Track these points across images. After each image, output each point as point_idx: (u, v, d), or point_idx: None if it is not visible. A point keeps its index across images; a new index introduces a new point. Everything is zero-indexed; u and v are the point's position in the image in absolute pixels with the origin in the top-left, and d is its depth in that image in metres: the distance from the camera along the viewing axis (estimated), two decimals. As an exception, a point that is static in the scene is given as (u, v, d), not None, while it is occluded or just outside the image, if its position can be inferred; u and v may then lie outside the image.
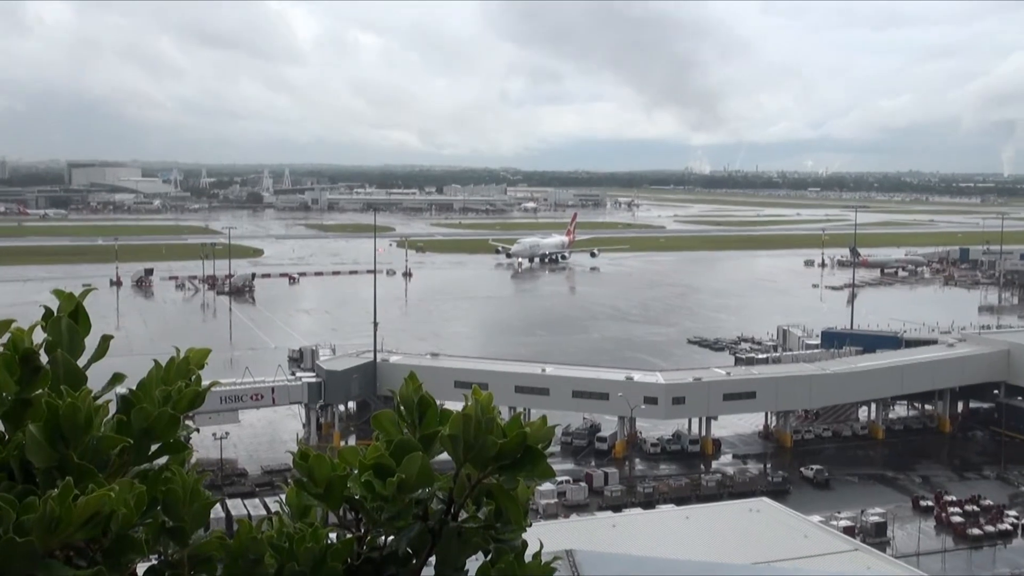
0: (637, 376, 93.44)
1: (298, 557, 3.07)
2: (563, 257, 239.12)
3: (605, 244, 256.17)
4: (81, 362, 3.04)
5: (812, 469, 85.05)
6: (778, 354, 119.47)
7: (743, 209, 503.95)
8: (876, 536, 71.36)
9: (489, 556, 3.21)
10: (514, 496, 3.19)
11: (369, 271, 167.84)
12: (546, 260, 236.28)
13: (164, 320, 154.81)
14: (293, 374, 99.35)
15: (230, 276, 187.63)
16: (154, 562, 2.98)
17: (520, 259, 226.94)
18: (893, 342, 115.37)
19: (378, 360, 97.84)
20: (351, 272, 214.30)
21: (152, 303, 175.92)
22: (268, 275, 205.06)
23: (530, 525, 3.31)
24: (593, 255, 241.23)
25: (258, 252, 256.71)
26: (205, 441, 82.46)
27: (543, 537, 3.50)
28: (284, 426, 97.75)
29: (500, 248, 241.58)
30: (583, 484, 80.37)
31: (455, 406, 3.22)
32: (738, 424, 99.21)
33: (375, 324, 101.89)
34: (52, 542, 2.49)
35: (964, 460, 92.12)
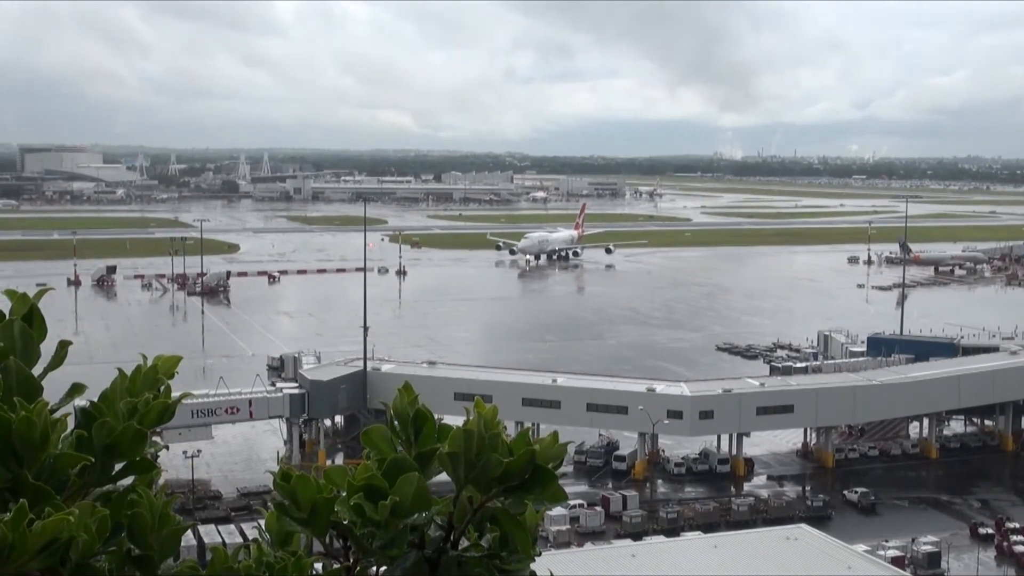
0: (659, 387, 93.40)
1: (279, 590, 3.07)
2: (575, 253, 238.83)
3: (620, 239, 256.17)
4: (36, 371, 3.05)
5: (857, 492, 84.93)
6: (818, 363, 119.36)
7: (779, 199, 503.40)
8: (929, 567, 71.24)
9: (493, 589, 3.21)
10: (521, 522, 3.19)
11: (359, 269, 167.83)
12: (555, 257, 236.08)
13: (129, 324, 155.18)
14: (273, 385, 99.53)
15: (202, 274, 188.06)
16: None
17: (528, 256, 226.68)
18: (948, 349, 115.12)
19: (368, 369, 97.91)
20: (338, 270, 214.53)
21: (115, 305, 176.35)
22: (245, 273, 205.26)
23: (539, 554, 3.32)
24: (608, 251, 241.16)
25: (234, 247, 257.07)
26: (175, 460, 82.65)
27: (554, 568, 3.51)
28: (263, 443, 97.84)
29: (501, 244, 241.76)
30: (599, 509, 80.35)
31: (455, 421, 3.23)
32: (773, 441, 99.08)
33: (365, 328, 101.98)
34: (4, 572, 2.45)
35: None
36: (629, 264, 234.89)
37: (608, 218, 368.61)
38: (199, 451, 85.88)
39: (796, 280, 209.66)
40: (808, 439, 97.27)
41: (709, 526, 76.99)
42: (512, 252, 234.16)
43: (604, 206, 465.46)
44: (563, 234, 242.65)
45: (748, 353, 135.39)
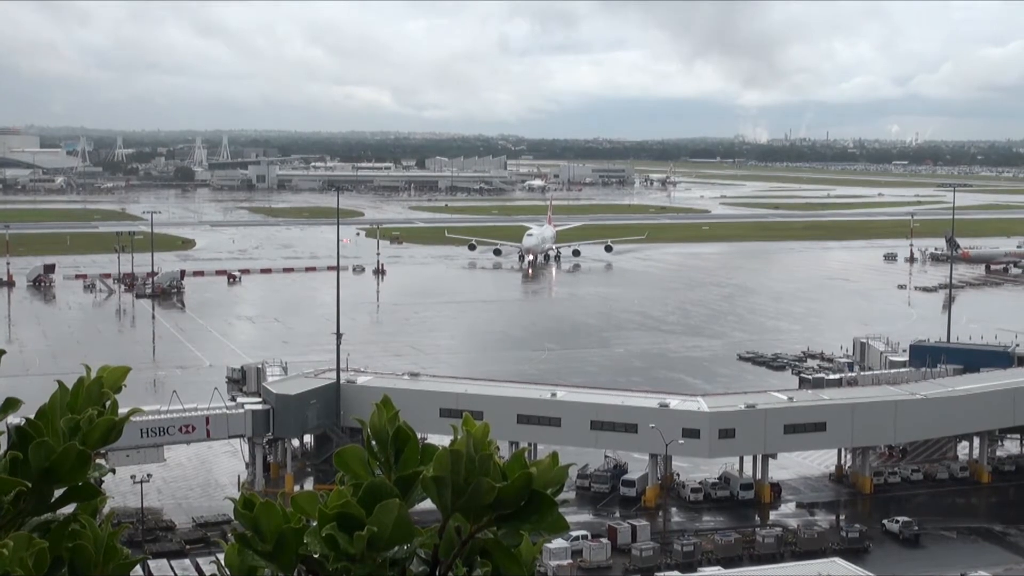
0: (674, 402, 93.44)
1: (241, 632, 3.07)
2: (575, 252, 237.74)
3: (602, 235, 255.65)
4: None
5: (898, 522, 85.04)
6: (854, 374, 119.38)
7: (809, 188, 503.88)
8: (980, 607, 71.21)
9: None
10: (516, 555, 3.19)
11: (331, 268, 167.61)
12: (546, 257, 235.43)
13: (69, 330, 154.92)
14: (233, 400, 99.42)
15: (153, 274, 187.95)
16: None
17: (531, 256, 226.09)
18: (1002, 359, 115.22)
19: (342, 382, 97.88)
20: (307, 269, 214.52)
21: (54, 308, 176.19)
22: (201, 273, 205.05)
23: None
24: (608, 249, 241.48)
25: (189, 243, 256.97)
26: (122, 485, 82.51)
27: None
28: (222, 466, 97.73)
29: (474, 243, 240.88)
30: (605, 540, 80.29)
31: (441, 440, 3.22)
32: (803, 464, 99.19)
33: (338, 335, 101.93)
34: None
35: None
36: (639, 262, 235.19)
37: (615, 210, 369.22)
38: (149, 475, 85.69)
39: (829, 280, 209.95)
40: (843, 461, 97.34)
41: (730, 560, 77.04)
42: (497, 253, 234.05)
43: (610, 196, 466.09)
44: (548, 230, 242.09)
45: (774, 363, 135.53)
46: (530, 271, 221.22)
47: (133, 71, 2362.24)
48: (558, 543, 75.32)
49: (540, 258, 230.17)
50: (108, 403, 3.23)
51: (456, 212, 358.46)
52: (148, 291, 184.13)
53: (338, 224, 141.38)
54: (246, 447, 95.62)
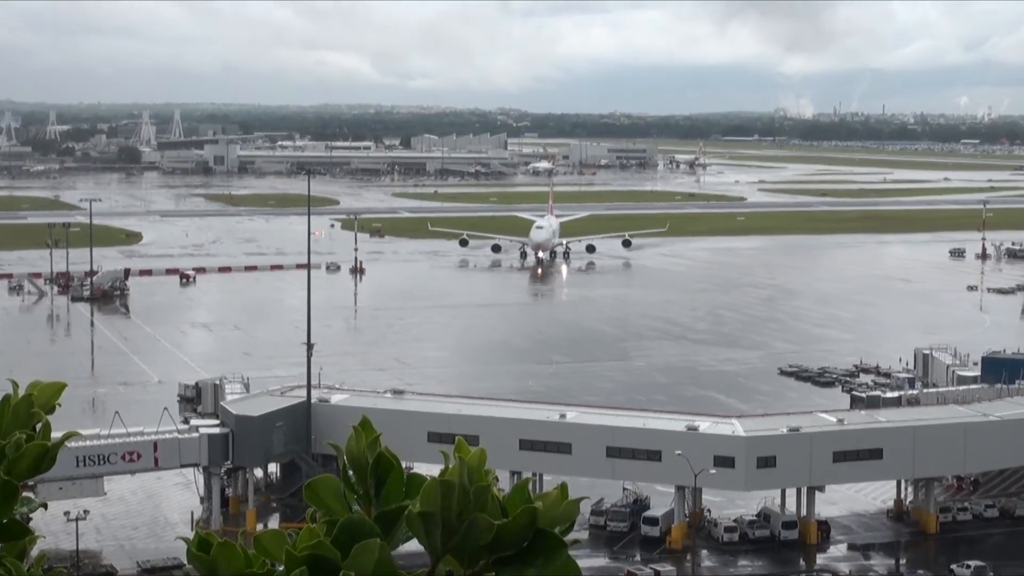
0: (704, 425, 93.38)
1: None
2: (589, 248, 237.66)
3: (613, 227, 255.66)
4: None
5: (969, 567, 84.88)
6: (916, 391, 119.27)
7: (863, 171, 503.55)
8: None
9: None
10: (518, 605, 3.19)
11: (301, 265, 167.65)
12: (553, 254, 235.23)
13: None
14: (186, 422, 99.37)
15: (92, 273, 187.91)
16: None
17: (541, 252, 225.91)
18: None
19: (314, 401, 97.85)
20: (273, 267, 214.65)
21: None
22: (149, 271, 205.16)
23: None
24: (626, 244, 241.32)
25: (134, 237, 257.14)
26: (54, 522, 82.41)
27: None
28: (172, 501, 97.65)
29: (465, 237, 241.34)
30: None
31: (430, 470, 3.22)
32: (856, 498, 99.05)
33: (309, 346, 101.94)
34: None
35: None
36: (663, 259, 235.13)
37: (633, 198, 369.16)
38: (86, 511, 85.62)
39: (886, 280, 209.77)
40: (903, 495, 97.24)
41: (771, 611, 76.90)
42: (495, 250, 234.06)
43: (629, 181, 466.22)
44: (553, 222, 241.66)
45: (822, 379, 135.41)
46: (539, 271, 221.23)
47: (69, 35, 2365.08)
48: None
49: (546, 255, 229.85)
50: (39, 425, 3.23)
51: (448, 200, 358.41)
52: (86, 293, 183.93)
53: (309, 214, 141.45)
54: (201, 478, 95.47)
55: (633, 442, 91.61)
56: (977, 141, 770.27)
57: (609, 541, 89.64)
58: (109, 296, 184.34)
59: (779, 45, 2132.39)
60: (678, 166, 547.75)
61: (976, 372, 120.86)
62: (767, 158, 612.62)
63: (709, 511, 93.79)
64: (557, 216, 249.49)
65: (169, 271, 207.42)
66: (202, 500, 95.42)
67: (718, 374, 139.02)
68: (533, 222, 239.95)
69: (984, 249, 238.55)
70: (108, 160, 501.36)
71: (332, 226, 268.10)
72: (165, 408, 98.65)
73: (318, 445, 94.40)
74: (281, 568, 3.23)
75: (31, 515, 3.15)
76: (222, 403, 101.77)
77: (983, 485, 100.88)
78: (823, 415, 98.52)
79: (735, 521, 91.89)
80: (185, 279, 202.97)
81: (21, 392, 3.20)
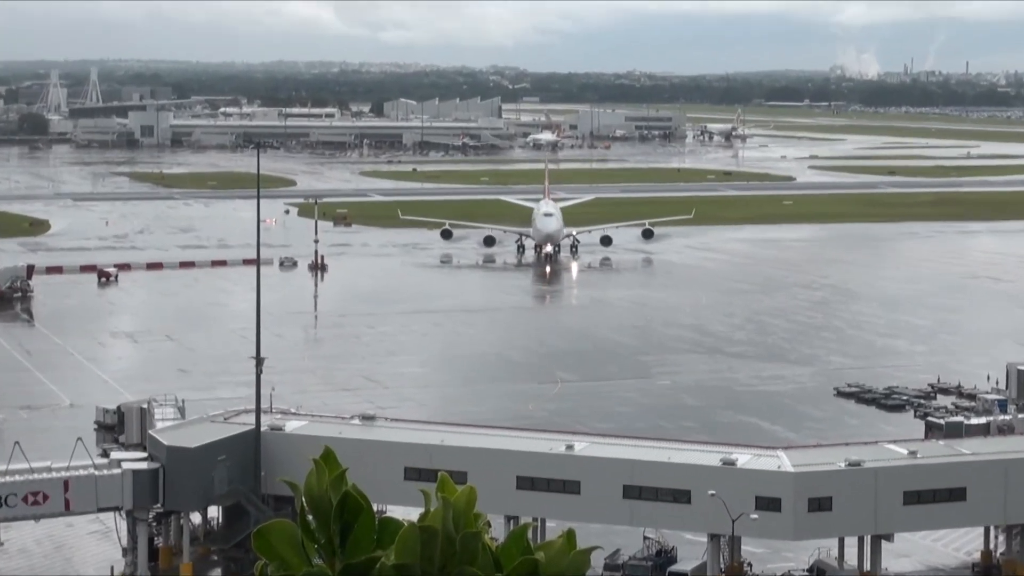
0: (743, 458, 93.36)
1: None
2: (605, 240, 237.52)
3: (625, 214, 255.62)
4: None
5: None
6: (1008, 417, 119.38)
7: (940, 144, 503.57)
8: None
9: None
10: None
11: (249, 261, 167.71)
12: (557, 247, 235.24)
13: None
14: (105, 455, 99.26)
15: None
16: None
17: (549, 246, 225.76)
18: None
19: (264, 428, 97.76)
20: (215, 263, 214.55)
21: None
22: (59, 269, 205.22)
23: None
24: (647, 235, 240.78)
25: (40, 226, 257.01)
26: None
27: None
28: (87, 552, 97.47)
29: (448, 227, 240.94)
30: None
31: (407, 513, 3.26)
32: (933, 549, 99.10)
33: (259, 360, 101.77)
34: None
35: None
36: (692, 253, 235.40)
37: (655, 176, 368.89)
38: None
39: (969, 279, 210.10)
40: (993, 545, 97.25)
41: None
42: (488, 243, 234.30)
43: (651, 156, 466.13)
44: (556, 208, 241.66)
45: (888, 400, 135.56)
46: (547, 269, 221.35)
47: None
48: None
49: (552, 250, 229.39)
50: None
51: (429, 179, 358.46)
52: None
53: (258, 197, 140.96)
54: (123, 524, 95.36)
55: (656, 480, 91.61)
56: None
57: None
58: (7, 299, 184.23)
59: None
60: (711, 138, 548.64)
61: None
62: (821, 128, 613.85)
63: (750, 565, 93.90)
64: (556, 201, 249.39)
65: (84, 268, 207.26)
66: (125, 552, 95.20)
67: (760, 395, 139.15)
68: (523, 208, 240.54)
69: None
70: (7, 131, 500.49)
71: (287, 212, 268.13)
72: (79, 438, 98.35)
73: (270, 483, 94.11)
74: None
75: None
76: (151, 432, 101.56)
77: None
78: (891, 446, 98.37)
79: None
80: (104, 278, 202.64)
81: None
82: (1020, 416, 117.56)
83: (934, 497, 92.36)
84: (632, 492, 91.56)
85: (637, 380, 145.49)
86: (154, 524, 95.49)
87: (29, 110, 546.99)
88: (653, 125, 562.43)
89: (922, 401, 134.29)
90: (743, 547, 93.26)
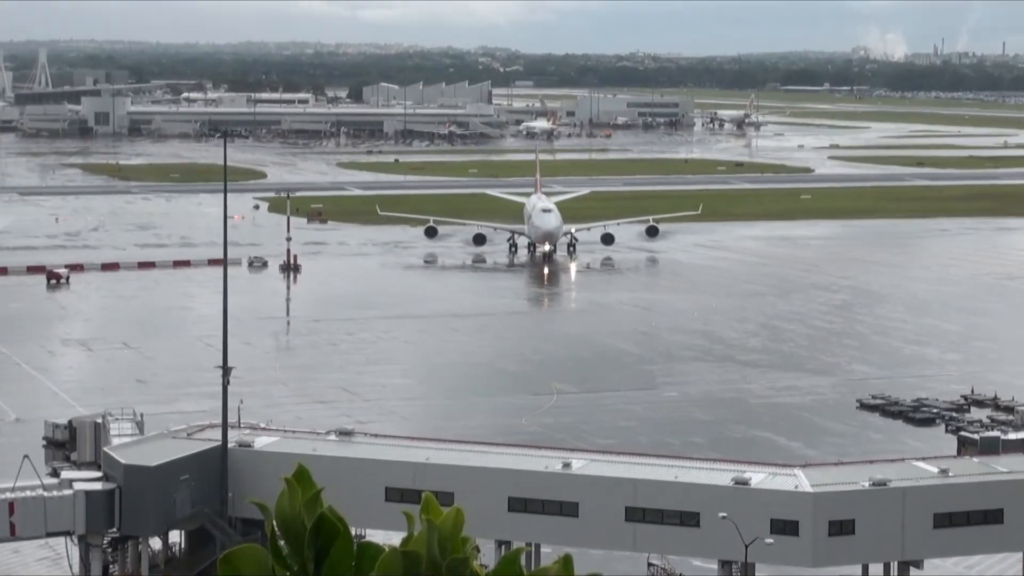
0: (756, 477, 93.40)
1: None
2: (606, 239, 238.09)
3: (624, 210, 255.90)
4: None
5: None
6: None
7: (974, 132, 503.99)
8: None
9: None
10: None
11: (215, 261, 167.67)
12: (554, 247, 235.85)
13: None
14: (55, 474, 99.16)
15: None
16: None
17: (548, 244, 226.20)
18: None
19: (231, 445, 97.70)
20: (177, 263, 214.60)
21: None
22: (4, 270, 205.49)
23: None
24: (652, 232, 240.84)
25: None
26: None
27: None
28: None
29: (432, 225, 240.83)
30: None
31: (388, 537, 3.23)
32: None
33: (225, 370, 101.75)
34: None
35: None
36: (702, 252, 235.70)
37: (660, 168, 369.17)
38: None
39: (1005, 280, 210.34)
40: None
41: None
42: (478, 241, 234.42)
43: (656, 146, 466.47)
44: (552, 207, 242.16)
45: (916, 414, 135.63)
46: (545, 269, 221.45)
47: None
48: None
49: (551, 249, 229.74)
50: None
51: (412, 172, 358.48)
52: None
53: (225, 191, 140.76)
54: (76, 551, 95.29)
55: (662, 501, 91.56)
56: None
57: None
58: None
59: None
60: (722, 125, 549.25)
61: None
62: (842, 115, 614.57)
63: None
64: (547, 195, 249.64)
65: (32, 269, 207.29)
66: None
67: (775, 408, 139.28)
68: (512, 203, 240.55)
69: None
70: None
71: (256, 208, 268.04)
72: (26, 456, 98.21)
73: (238, 505, 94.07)
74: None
75: None
76: (106, 449, 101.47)
77: None
78: (920, 464, 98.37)
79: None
80: (54, 280, 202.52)
81: None
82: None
83: (967, 520, 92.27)
84: (635, 514, 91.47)
85: (641, 391, 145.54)
86: (109, 550, 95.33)
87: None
88: (658, 112, 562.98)
89: (954, 414, 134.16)
90: (757, 575, 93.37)
